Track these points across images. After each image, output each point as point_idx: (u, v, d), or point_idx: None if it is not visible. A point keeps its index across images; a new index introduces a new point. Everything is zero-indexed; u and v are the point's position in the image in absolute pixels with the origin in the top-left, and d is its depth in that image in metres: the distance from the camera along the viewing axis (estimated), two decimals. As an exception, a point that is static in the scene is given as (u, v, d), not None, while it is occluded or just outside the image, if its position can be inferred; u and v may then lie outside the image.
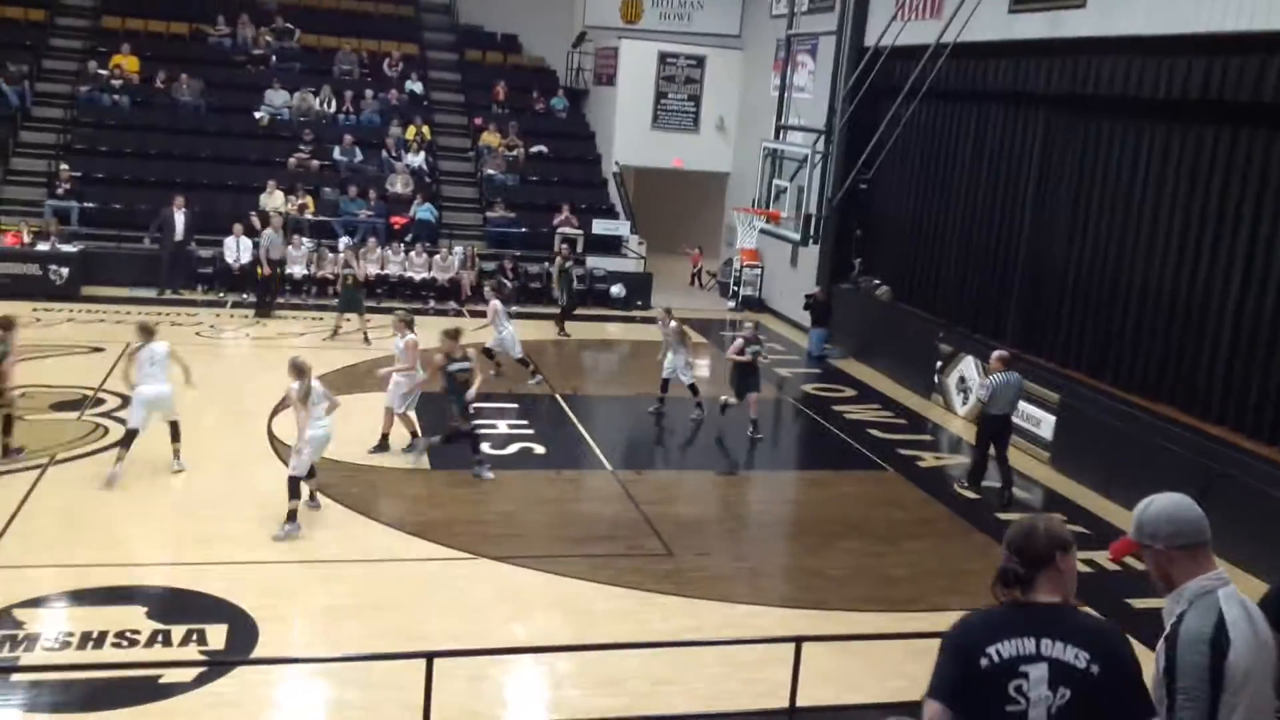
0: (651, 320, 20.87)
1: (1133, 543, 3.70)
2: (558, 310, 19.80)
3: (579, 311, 20.26)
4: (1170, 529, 3.63)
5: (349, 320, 18.00)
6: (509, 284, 18.85)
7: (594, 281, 22.29)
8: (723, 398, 14.77)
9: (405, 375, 12.57)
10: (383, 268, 20.79)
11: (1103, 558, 11.16)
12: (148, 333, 11.48)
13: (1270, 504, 10.84)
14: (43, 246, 19.16)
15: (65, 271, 19.00)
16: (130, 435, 11.24)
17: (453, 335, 12.19)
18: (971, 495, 12.95)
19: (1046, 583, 3.54)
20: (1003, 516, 12.29)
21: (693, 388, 15.02)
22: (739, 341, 14.44)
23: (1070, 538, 3.62)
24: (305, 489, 10.66)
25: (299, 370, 10.43)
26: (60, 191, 20.60)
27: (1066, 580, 3.57)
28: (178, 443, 11.64)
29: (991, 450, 12.84)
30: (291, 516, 10.23)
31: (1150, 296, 13.68)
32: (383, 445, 12.78)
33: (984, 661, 3.43)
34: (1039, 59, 15.32)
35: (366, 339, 17.67)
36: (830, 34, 19.13)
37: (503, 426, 14.04)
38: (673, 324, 15.06)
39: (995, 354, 13.14)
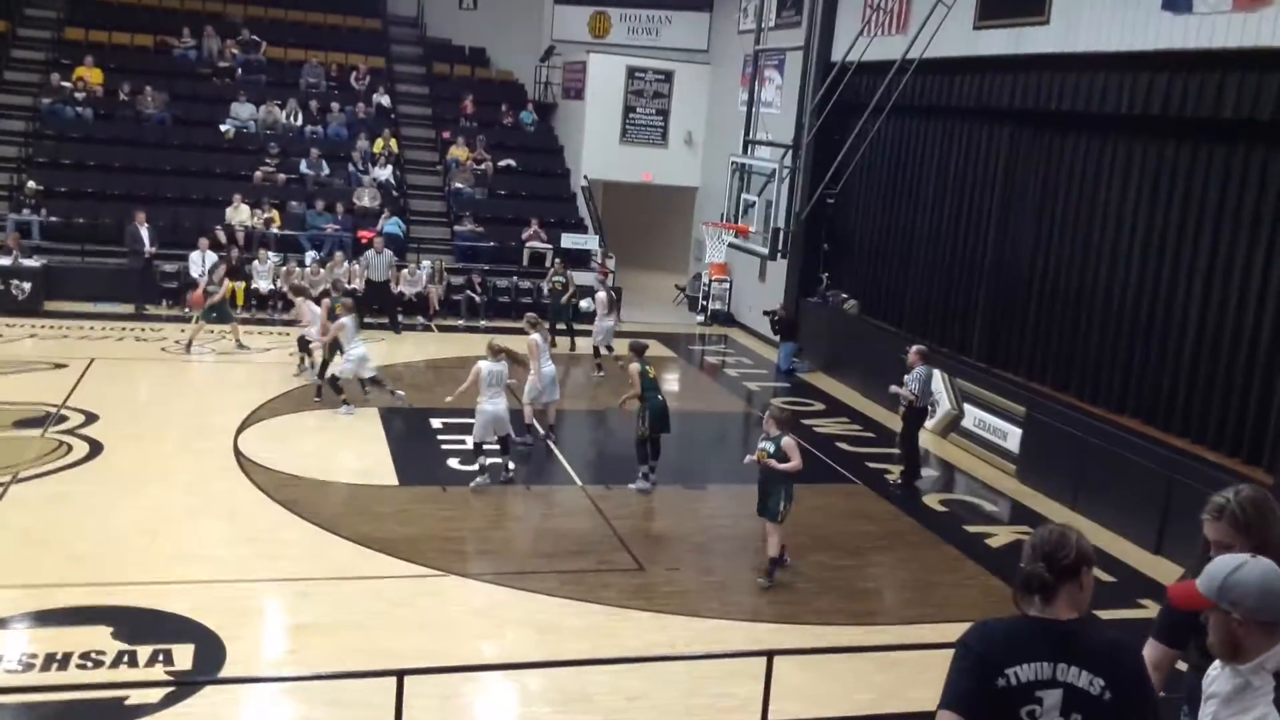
0: (623, 335, 20.88)
1: (1203, 599, 3.39)
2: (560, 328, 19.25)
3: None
4: (1257, 603, 3.29)
5: (211, 331, 17.91)
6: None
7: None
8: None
9: (534, 373, 13.74)
10: (350, 282, 20.65)
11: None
12: (495, 351, 12.44)
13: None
14: (4, 261, 18.94)
15: (27, 286, 18.79)
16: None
17: (639, 351, 13.23)
18: (901, 489, 13.52)
19: (1068, 597, 3.45)
20: (971, 529, 12.39)
21: (597, 350, 18.17)
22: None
23: (1093, 554, 3.53)
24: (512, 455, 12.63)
25: (494, 351, 12.26)
26: (28, 204, 20.36)
27: (1086, 597, 3.48)
28: None
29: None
30: (482, 470, 12.23)
31: (1114, 310, 13.83)
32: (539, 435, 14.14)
33: (1001, 682, 3.37)
34: (1003, 75, 15.48)
35: (240, 344, 17.86)
36: (797, 49, 19.23)
37: (470, 442, 13.97)
38: (600, 294, 18.34)
39: (915, 348, 13.97)
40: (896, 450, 14.16)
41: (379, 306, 19.98)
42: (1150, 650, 4.02)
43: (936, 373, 16.00)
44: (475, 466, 12.39)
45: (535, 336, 13.92)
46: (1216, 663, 3.49)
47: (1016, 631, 3.48)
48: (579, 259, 22.66)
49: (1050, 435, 13.86)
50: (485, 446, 12.34)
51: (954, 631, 3.66)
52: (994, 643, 3.46)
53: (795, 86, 19.90)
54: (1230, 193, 12.23)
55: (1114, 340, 13.81)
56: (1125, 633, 3.72)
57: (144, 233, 19.62)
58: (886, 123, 17.46)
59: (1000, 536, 12.26)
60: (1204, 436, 12.38)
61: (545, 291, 20.46)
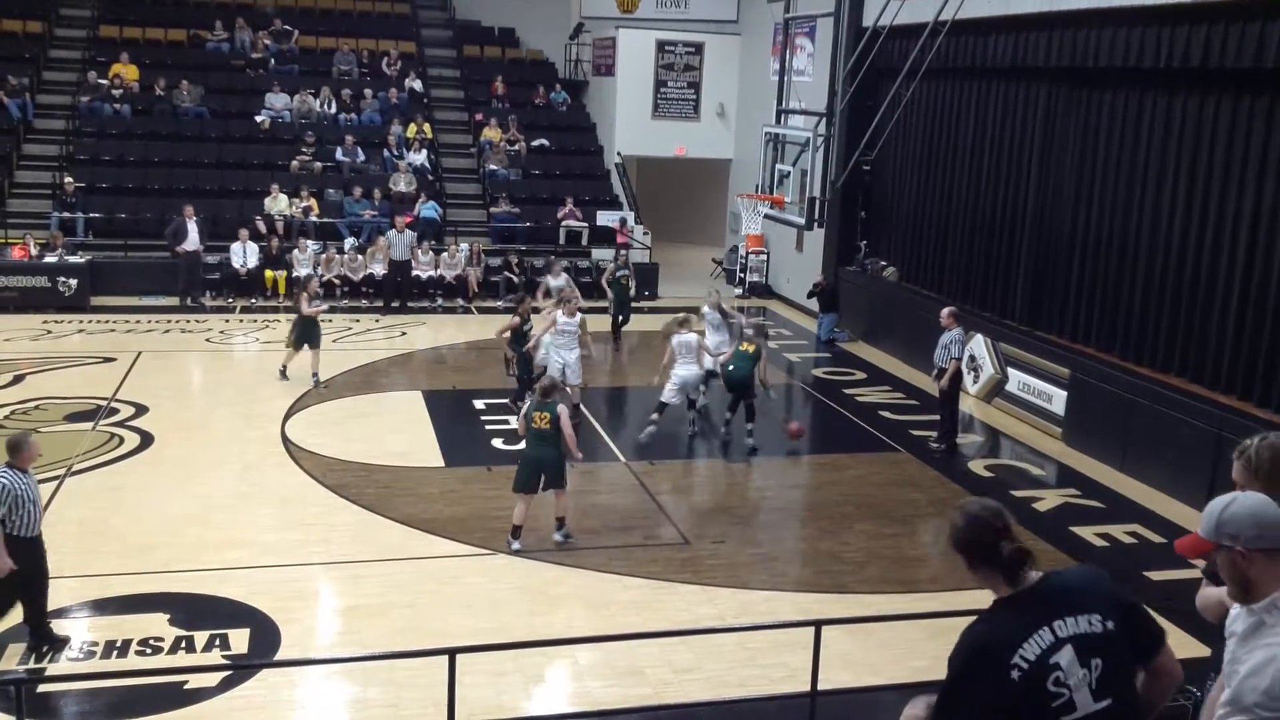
0: (660, 310, 20.87)
1: (1205, 542, 3.43)
2: (611, 321, 18.85)
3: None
4: (1254, 530, 3.34)
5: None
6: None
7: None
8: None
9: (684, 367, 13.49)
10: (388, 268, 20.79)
11: (1119, 531, 11.19)
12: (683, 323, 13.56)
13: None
14: (50, 258, 19.22)
15: (74, 283, 19.05)
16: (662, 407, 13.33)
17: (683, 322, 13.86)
18: (941, 451, 13.55)
19: (1030, 560, 3.49)
20: (1018, 494, 12.31)
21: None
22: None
23: None
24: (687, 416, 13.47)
25: (680, 323, 13.50)
26: (69, 202, 20.63)
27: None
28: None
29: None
30: (654, 423, 13.18)
31: (1158, 268, 13.63)
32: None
33: (1015, 674, 3.32)
34: (1039, 32, 15.24)
35: (318, 380, 15.23)
36: (828, 15, 19.03)
37: (514, 422, 14.05)
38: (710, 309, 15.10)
39: (949, 310, 13.93)
40: (937, 416, 14.02)
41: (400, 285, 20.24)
42: (1201, 598, 4.15)
43: (979, 336, 15.93)
44: (655, 416, 13.32)
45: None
46: (1236, 605, 3.54)
47: (1001, 621, 3.45)
48: (608, 235, 22.64)
49: (1096, 397, 13.73)
50: (669, 404, 13.35)
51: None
52: (988, 645, 3.41)
53: (827, 53, 19.75)
54: (1274, 145, 11.99)
55: (1159, 299, 13.62)
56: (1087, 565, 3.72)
57: (192, 228, 19.75)
58: (921, 86, 17.29)
59: (1047, 500, 12.18)
60: (1252, 393, 12.20)
61: (605, 281, 19.42)
